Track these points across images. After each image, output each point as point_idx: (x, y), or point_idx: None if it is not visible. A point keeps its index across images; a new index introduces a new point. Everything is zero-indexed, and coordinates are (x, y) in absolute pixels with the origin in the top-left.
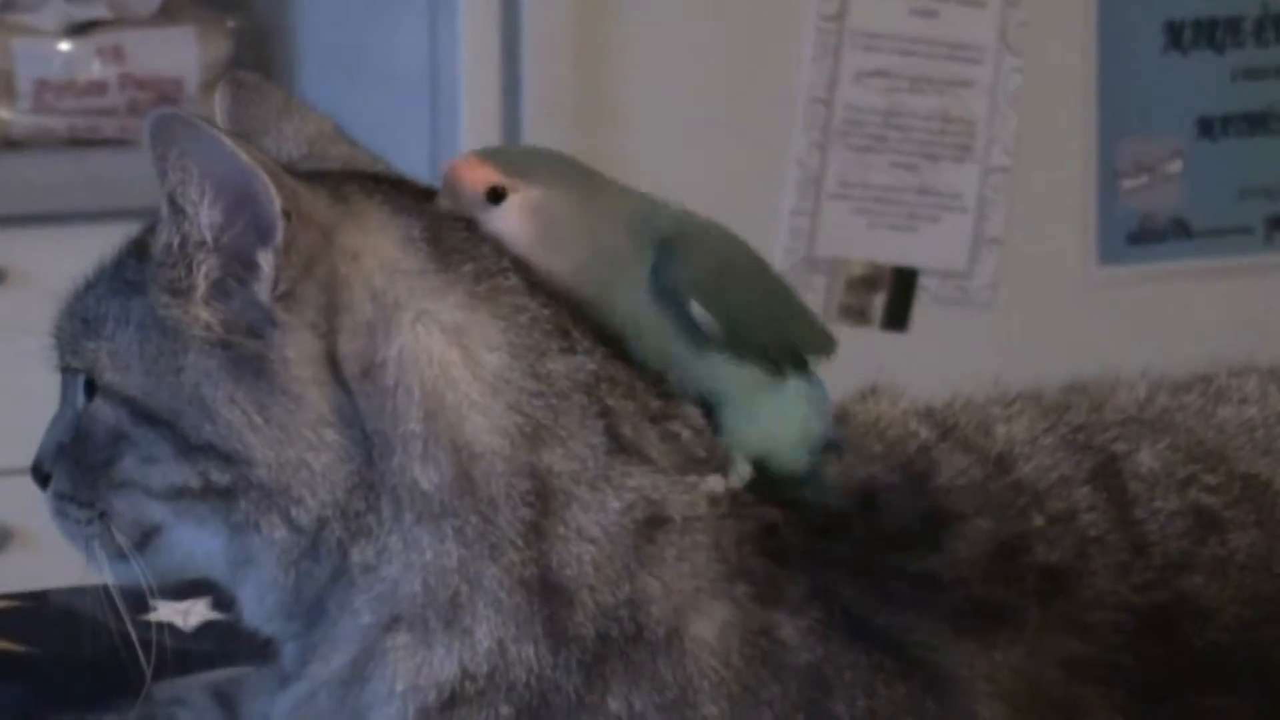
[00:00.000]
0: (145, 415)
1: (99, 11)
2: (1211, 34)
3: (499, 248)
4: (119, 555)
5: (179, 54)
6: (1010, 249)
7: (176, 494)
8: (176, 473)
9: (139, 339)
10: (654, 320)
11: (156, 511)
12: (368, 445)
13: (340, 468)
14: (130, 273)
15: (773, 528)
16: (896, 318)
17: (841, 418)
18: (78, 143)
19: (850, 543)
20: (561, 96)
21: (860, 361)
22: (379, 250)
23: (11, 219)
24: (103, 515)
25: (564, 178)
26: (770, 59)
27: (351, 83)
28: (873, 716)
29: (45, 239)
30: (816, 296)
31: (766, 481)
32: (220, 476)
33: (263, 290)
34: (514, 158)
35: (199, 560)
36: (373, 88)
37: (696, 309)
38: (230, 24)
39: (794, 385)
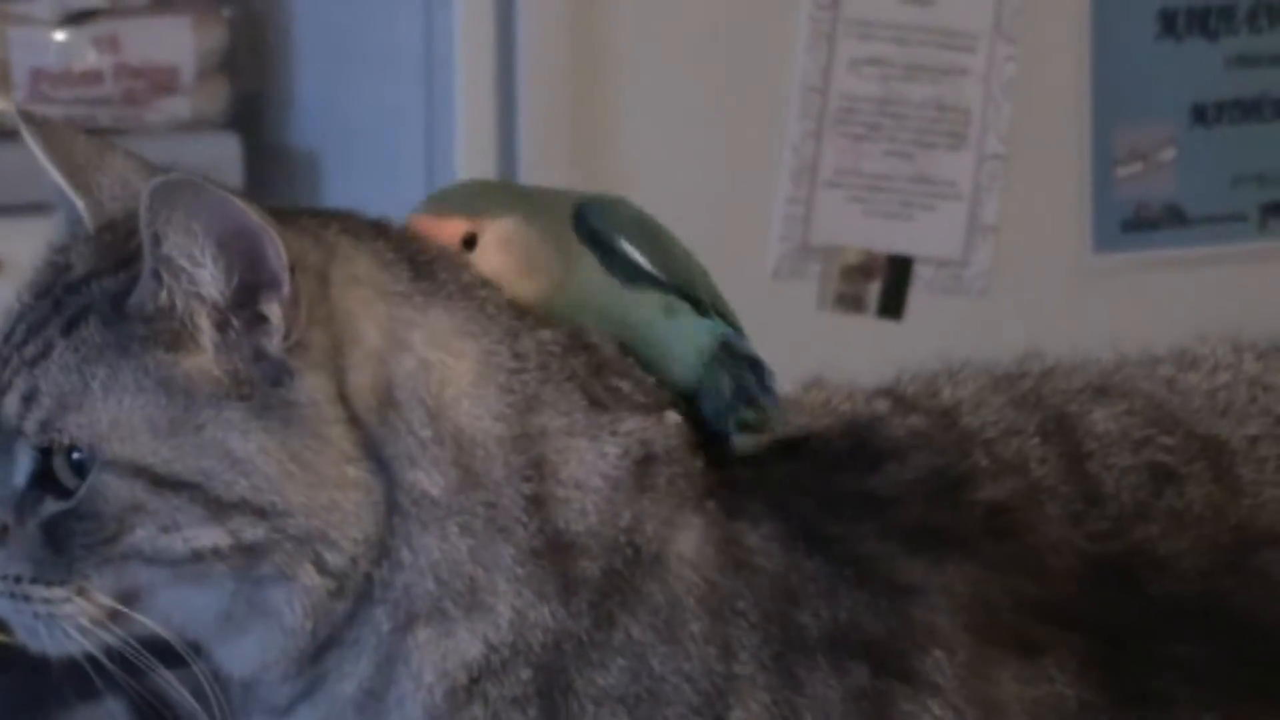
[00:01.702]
0: (167, 482)
1: (94, 1)
2: (1205, 21)
3: (447, 248)
4: (92, 628)
5: (174, 43)
6: (1005, 237)
7: (196, 558)
8: (205, 536)
9: (142, 404)
10: (594, 274)
11: (150, 578)
12: (386, 473)
13: (366, 501)
14: (99, 336)
15: (722, 459)
16: (891, 306)
17: (791, 403)
18: None
19: (790, 469)
20: (556, 86)
21: (855, 349)
22: (370, 279)
23: (8, 208)
24: (81, 591)
25: (515, 204)
26: (764, 47)
27: (346, 71)
28: (835, 625)
29: (42, 229)
30: (811, 284)
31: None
32: (253, 533)
33: (273, 344)
34: (468, 200)
35: (177, 620)
36: (368, 76)
37: (624, 243)
38: (225, 13)
39: (704, 319)
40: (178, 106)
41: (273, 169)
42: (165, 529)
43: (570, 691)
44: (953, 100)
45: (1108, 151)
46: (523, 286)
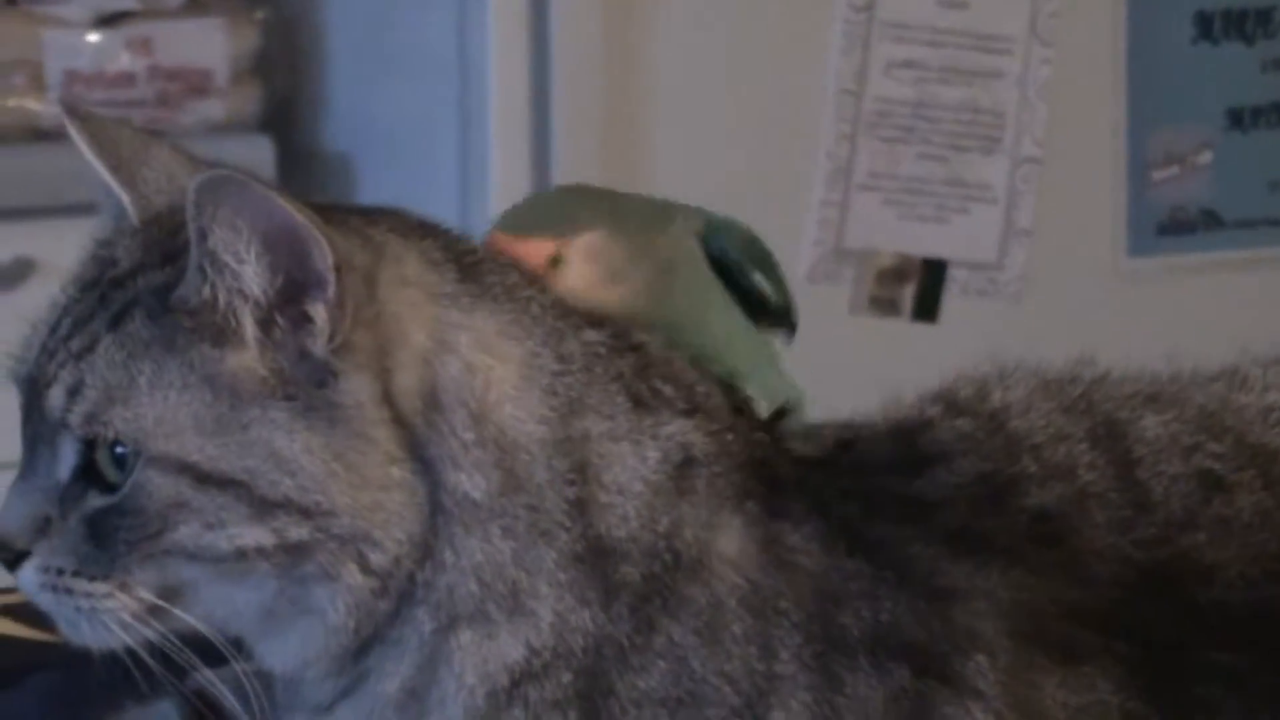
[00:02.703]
0: (212, 479)
1: (128, 3)
2: (1241, 25)
3: (491, 248)
4: (133, 623)
5: (207, 45)
6: (1040, 240)
7: (239, 556)
8: (248, 535)
9: (188, 400)
10: (710, 304)
11: (193, 574)
12: (429, 473)
13: (410, 502)
14: (146, 331)
15: (765, 460)
16: (926, 309)
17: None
18: None
19: (835, 471)
20: (591, 88)
21: (889, 353)
22: (418, 281)
23: (40, 210)
24: (123, 586)
25: (598, 215)
26: (800, 50)
27: (380, 74)
28: (877, 625)
29: (74, 230)
30: (845, 288)
31: (749, 425)
32: (298, 532)
33: (318, 344)
34: (550, 216)
35: (219, 616)
36: (401, 79)
37: (758, 278)
38: (258, 15)
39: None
40: (211, 109)
41: (305, 172)
42: (209, 526)
43: (611, 694)
44: (988, 104)
45: (1143, 155)
46: (606, 295)
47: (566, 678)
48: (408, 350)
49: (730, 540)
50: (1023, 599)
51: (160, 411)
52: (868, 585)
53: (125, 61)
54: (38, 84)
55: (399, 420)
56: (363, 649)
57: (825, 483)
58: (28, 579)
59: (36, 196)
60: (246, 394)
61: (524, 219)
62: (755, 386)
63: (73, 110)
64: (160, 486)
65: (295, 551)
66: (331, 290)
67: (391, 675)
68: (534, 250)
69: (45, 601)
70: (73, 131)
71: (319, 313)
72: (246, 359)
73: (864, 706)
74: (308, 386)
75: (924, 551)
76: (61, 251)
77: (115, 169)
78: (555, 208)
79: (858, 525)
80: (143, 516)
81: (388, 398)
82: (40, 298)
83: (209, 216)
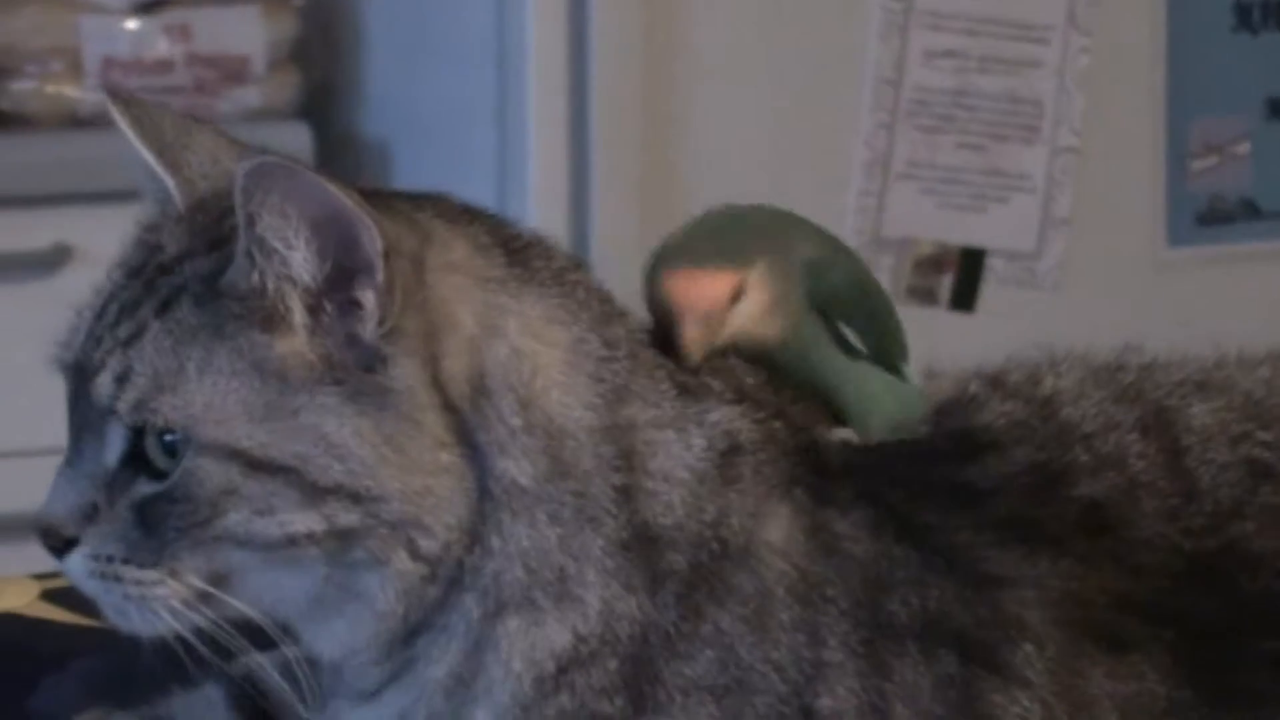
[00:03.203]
0: (263, 465)
1: None
2: None
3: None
4: (183, 609)
5: (245, 32)
6: (1078, 230)
7: (289, 542)
8: (299, 521)
9: (237, 386)
10: (815, 339)
11: (242, 560)
12: (477, 459)
13: (459, 487)
14: (194, 318)
15: (812, 447)
16: (964, 298)
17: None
18: None
19: (884, 457)
20: (629, 76)
21: (927, 341)
22: (466, 266)
23: (78, 196)
24: (173, 572)
25: (756, 240)
26: (838, 39)
27: (418, 61)
28: (925, 612)
29: (111, 217)
30: (884, 277)
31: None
32: (348, 517)
33: (367, 329)
34: (721, 248)
35: (267, 602)
36: (439, 65)
37: (845, 329)
38: (296, 1)
39: (887, 378)
40: (248, 96)
41: (343, 159)
42: (259, 513)
43: (658, 682)
44: (1026, 92)
45: (1182, 144)
46: (770, 326)
47: (613, 664)
48: (456, 335)
49: (777, 528)
50: (1071, 588)
51: (209, 398)
52: (916, 572)
53: (163, 48)
54: (75, 71)
55: (447, 405)
56: (410, 635)
57: (874, 469)
58: (76, 566)
59: (74, 183)
60: (295, 379)
61: (697, 250)
62: (876, 420)
63: (116, 94)
64: (210, 473)
65: (345, 537)
66: (380, 275)
67: (439, 662)
68: (717, 283)
69: (93, 589)
70: (116, 116)
71: (368, 298)
72: (295, 344)
73: (912, 693)
74: (356, 371)
75: (973, 539)
76: (99, 238)
77: (160, 153)
78: (722, 237)
79: (906, 512)
80: (192, 503)
81: (436, 383)
82: (78, 284)
83: (258, 202)
